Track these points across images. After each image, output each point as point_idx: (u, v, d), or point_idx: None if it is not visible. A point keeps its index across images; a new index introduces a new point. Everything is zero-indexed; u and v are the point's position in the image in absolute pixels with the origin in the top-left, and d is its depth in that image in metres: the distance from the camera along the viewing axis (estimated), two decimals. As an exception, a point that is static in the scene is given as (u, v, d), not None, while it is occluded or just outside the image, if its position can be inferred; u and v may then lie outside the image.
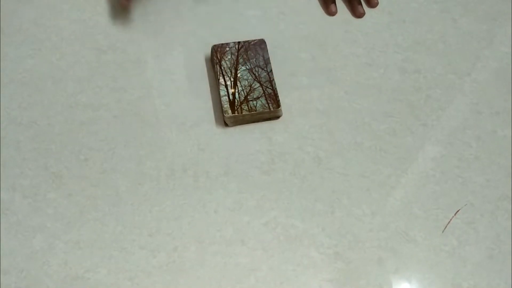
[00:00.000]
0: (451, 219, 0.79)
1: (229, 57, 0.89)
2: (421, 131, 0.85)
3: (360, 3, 0.97)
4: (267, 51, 0.89)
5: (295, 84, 0.90)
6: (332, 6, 0.96)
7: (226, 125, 0.86)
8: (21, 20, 0.95)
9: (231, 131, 0.85)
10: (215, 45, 0.90)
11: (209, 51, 0.92)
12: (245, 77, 0.87)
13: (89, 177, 0.81)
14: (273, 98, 0.85)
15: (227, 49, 0.89)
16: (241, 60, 0.88)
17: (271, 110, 0.84)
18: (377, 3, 0.97)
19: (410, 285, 0.74)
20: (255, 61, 0.88)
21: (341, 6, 0.98)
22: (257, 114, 0.84)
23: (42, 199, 0.79)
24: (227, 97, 0.85)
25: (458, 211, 0.79)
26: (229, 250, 0.76)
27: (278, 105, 0.84)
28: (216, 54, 0.89)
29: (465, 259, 0.76)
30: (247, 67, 0.88)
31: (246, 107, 0.84)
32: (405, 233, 0.78)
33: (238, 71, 0.87)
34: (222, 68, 0.88)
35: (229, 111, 0.84)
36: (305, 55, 0.92)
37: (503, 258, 0.76)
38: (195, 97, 0.88)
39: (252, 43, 0.90)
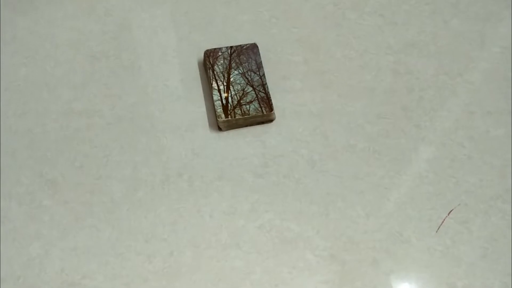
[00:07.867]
0: (444, 219, 0.79)
1: (222, 61, 0.89)
2: (414, 132, 0.86)
3: None
4: (260, 55, 0.90)
5: (288, 87, 0.90)
6: None
7: (219, 129, 0.86)
8: (15, 28, 0.95)
9: (225, 135, 0.86)
10: (207, 50, 0.90)
11: (201, 56, 0.92)
12: (238, 81, 0.87)
13: (85, 183, 0.81)
14: (266, 102, 0.85)
15: (220, 53, 0.90)
16: (233, 65, 0.89)
17: (264, 114, 0.84)
18: None
19: (405, 285, 0.75)
20: (248, 65, 0.89)
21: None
22: (250, 118, 0.85)
23: (38, 206, 0.80)
24: (220, 102, 0.85)
25: (451, 211, 0.80)
26: (225, 254, 0.77)
27: (271, 109, 0.85)
28: (209, 59, 0.89)
29: (459, 258, 0.76)
30: (239, 71, 0.88)
31: (239, 111, 0.84)
32: (399, 234, 0.78)
33: (231, 76, 0.88)
34: (215, 72, 0.88)
35: (223, 116, 0.84)
36: (298, 58, 0.93)
37: (496, 257, 0.76)
38: (188, 102, 0.89)
39: (245, 47, 0.90)
